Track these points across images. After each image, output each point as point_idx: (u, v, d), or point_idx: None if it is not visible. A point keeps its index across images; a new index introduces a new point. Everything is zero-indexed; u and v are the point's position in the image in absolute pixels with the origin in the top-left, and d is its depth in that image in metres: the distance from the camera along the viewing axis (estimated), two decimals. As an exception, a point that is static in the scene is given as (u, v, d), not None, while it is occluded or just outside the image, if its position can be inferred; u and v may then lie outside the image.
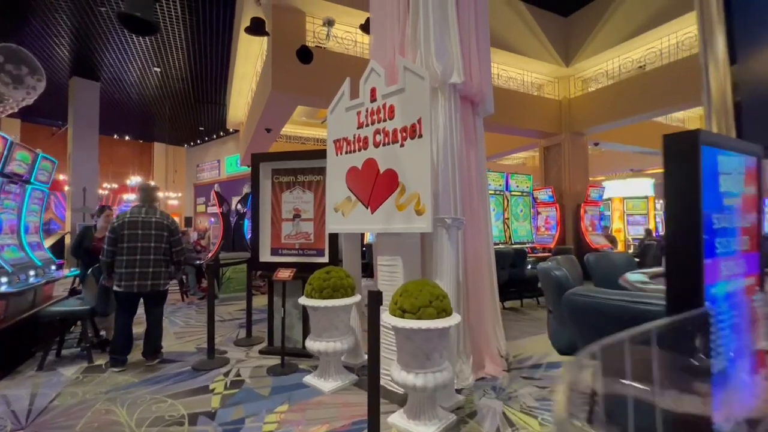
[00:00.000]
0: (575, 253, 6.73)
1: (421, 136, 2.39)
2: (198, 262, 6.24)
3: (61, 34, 8.36)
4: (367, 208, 2.72)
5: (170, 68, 10.06)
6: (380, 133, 2.64)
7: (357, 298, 2.70)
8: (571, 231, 8.26)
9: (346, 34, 6.32)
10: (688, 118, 11.10)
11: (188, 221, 15.84)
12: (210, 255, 6.31)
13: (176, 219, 15.10)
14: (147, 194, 3.16)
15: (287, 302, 3.37)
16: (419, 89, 2.41)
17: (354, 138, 2.83)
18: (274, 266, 3.41)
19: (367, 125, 2.74)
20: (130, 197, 14.18)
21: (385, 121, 2.62)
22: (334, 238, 3.35)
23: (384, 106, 2.63)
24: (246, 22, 6.24)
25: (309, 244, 3.54)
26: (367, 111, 2.74)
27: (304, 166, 3.60)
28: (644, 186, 10.66)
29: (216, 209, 7.15)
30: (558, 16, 8.01)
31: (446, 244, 2.43)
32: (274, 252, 3.61)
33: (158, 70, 10.15)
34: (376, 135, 2.67)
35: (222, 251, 6.25)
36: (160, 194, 15.46)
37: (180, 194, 16.65)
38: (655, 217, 11.28)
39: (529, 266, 5.29)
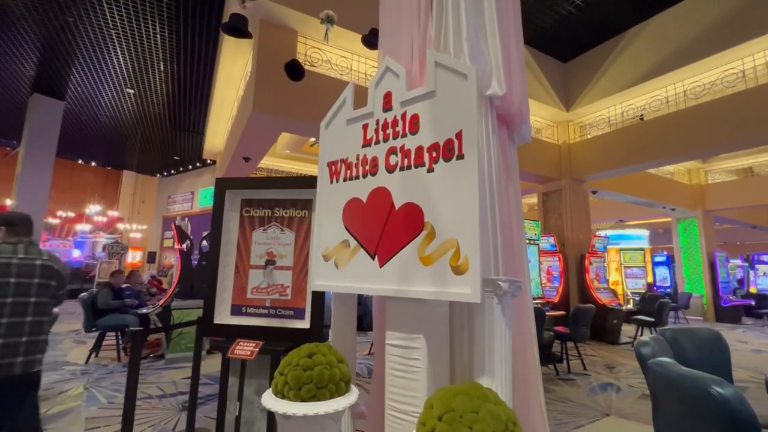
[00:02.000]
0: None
1: (461, 156, 1.63)
2: (144, 310, 5.10)
3: (23, 46, 7.56)
4: (373, 258, 1.88)
5: (146, 91, 9.32)
6: (397, 152, 1.87)
7: (352, 396, 1.76)
8: (576, 284, 7.57)
9: (340, 60, 5.78)
10: (676, 171, 11.08)
11: (151, 257, 14.39)
12: (161, 302, 5.19)
13: (138, 254, 13.69)
14: (27, 226, 2.13)
15: (247, 387, 2.38)
16: (460, 92, 1.68)
17: (358, 159, 2.04)
18: (234, 331, 2.46)
19: (378, 142, 1.97)
20: (85, 228, 12.79)
21: (404, 136, 1.86)
22: (319, 295, 2.46)
23: (404, 116, 1.88)
24: (231, 40, 5.62)
25: (284, 301, 2.62)
26: (378, 123, 1.99)
27: (284, 196, 2.77)
28: (640, 236, 10.28)
29: (181, 245, 6.10)
30: (557, 61, 7.86)
31: (498, 322, 1.59)
32: (236, 311, 2.66)
33: (132, 91, 9.39)
34: (391, 155, 1.89)
35: (177, 298, 5.15)
36: (122, 226, 14.11)
37: (145, 227, 15.29)
38: (653, 270, 10.85)
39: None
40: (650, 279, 10.12)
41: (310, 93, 5.01)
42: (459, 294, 1.53)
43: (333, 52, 5.73)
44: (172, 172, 16.38)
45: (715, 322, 10.14)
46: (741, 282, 12.76)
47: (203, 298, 2.72)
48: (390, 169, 1.89)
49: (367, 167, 1.99)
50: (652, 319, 6.31)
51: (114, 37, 7.18)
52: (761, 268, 12.13)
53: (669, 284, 12.52)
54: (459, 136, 1.65)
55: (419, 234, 1.72)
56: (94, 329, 4.86)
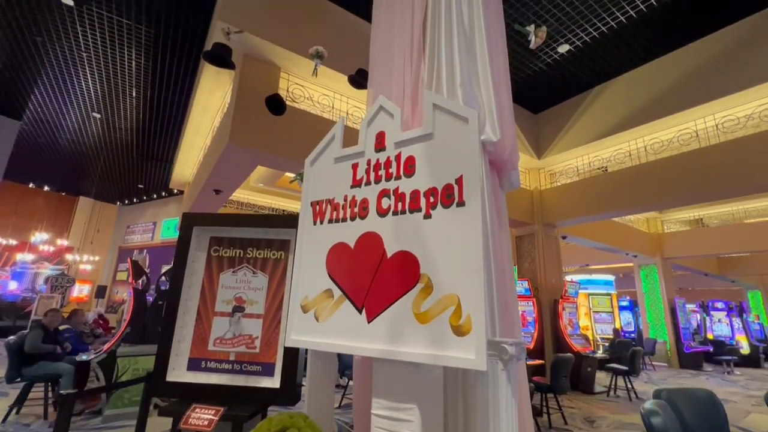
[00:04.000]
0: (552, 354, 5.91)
1: (462, 203, 1.51)
2: (84, 356, 4.49)
3: (-21, 62, 7.09)
4: (360, 311, 1.68)
5: (114, 116, 8.92)
6: (390, 195, 1.74)
7: (332, 481, 1.49)
8: (550, 329, 7.52)
9: (323, 98, 5.78)
10: (636, 219, 11.69)
11: (100, 291, 13.18)
12: (106, 347, 4.59)
13: (87, 287, 12.52)
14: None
15: (201, 461, 2.00)
16: (460, 136, 1.60)
17: (346, 200, 1.89)
18: (190, 391, 2.11)
19: (369, 183, 1.83)
20: (27, 257, 11.63)
21: (398, 178, 1.74)
22: (293, 349, 2.19)
23: (398, 157, 1.77)
24: (212, 70, 5.51)
25: (252, 355, 2.32)
26: (369, 163, 1.86)
27: (259, 236, 2.54)
28: (608, 281, 10.55)
29: (135, 282, 5.54)
30: (528, 111, 8.29)
31: (504, 391, 1.41)
32: (194, 365, 2.32)
33: (98, 116, 8.96)
34: (383, 198, 1.75)
35: (125, 342, 4.58)
36: (70, 256, 12.97)
37: (98, 258, 14.13)
38: (619, 315, 11.05)
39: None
40: (618, 324, 10.27)
41: (289, 128, 4.91)
42: (461, 359, 1.35)
43: (315, 90, 5.73)
44: (135, 200, 15.51)
45: (678, 368, 10.32)
46: (699, 328, 13.25)
47: (157, 343, 2.36)
48: (382, 213, 1.74)
49: (356, 209, 1.83)
50: (625, 368, 6.27)
51: (85, 60, 6.91)
52: (716, 314, 12.69)
53: (633, 329, 12.82)
54: (459, 181, 1.55)
55: (414, 286, 1.55)
56: (18, 380, 4.17)
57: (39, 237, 11.38)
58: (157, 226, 14.77)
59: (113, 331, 7.92)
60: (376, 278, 1.67)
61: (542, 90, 7.51)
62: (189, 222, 2.51)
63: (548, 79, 7.12)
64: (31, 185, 14.01)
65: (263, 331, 2.37)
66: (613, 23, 5.77)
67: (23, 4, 5.62)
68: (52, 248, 12.78)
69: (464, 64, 2.19)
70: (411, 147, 1.75)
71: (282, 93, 5.29)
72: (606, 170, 7.68)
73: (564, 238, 9.10)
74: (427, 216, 1.60)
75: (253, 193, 9.97)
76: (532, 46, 2.72)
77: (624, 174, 6.96)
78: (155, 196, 14.77)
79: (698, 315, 13.43)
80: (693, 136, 6.42)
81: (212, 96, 6.45)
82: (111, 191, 14.56)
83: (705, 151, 6.05)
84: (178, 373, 2.28)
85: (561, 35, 6.02)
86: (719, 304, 12.77)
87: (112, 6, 5.60)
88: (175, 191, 13.40)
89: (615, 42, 6.16)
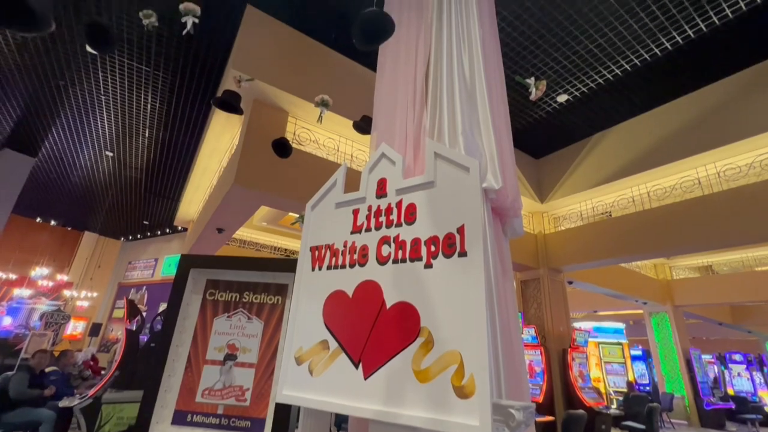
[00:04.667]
0: (565, 411, 5.55)
1: (464, 254, 1.47)
2: (67, 401, 4.26)
3: (4, 103, 7.44)
4: (357, 366, 1.58)
5: (125, 154, 9.18)
6: (390, 242, 1.70)
7: None
8: (559, 381, 7.12)
9: (328, 141, 5.93)
10: (643, 265, 11.47)
11: (95, 329, 12.86)
12: (92, 392, 4.37)
13: (81, 324, 12.25)
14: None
15: None
16: (461, 185, 1.59)
17: (345, 246, 1.85)
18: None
19: (369, 229, 1.80)
20: (25, 293, 11.49)
21: (399, 225, 1.70)
22: (285, 405, 2.05)
23: (399, 204, 1.75)
24: (222, 114, 5.71)
25: (241, 408, 2.18)
26: (370, 209, 1.84)
27: (256, 279, 2.48)
28: (618, 329, 10.15)
29: (130, 322, 5.39)
30: (530, 157, 8.43)
31: (512, 463, 1.28)
32: (179, 419, 2.17)
33: (111, 154, 9.22)
34: (383, 245, 1.71)
35: (113, 387, 4.36)
36: (68, 292, 12.81)
37: (96, 294, 13.93)
38: (632, 366, 10.53)
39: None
40: (631, 377, 9.75)
41: (294, 170, 4.99)
42: (463, 425, 1.24)
43: (321, 133, 5.89)
44: (138, 236, 15.58)
45: (699, 427, 9.64)
46: (717, 381, 12.53)
47: (144, 390, 2.23)
48: (382, 261, 1.69)
49: (356, 256, 1.79)
50: (642, 426, 5.86)
51: (102, 103, 7.22)
52: (734, 368, 12.06)
53: (647, 382, 12.13)
54: (461, 231, 1.51)
55: (414, 341, 1.47)
56: (-3, 427, 3.94)
57: (39, 272, 11.32)
58: (159, 262, 14.70)
59: (103, 372, 7.61)
60: (374, 330, 1.59)
61: (543, 136, 7.69)
62: (186, 264, 2.46)
63: (548, 126, 7.31)
64: (38, 220, 14.17)
65: (255, 382, 2.24)
66: (609, 76, 6.00)
67: (51, 51, 5.97)
68: (50, 283, 12.67)
69: (465, 113, 2.24)
70: (412, 194, 1.74)
71: (289, 136, 5.44)
72: (610, 215, 7.66)
73: (570, 283, 8.90)
74: (428, 265, 1.55)
75: (256, 232, 9.98)
76: (532, 98, 2.80)
77: (628, 220, 6.92)
78: (159, 232, 14.85)
79: (715, 367, 12.76)
80: (695, 183, 6.44)
81: (221, 138, 6.65)
82: (116, 227, 14.67)
83: (708, 199, 6.04)
84: (162, 427, 2.14)
85: (559, 86, 6.25)
86: (737, 356, 12.16)
87: (133, 54, 5.94)
88: (180, 228, 13.46)
89: (613, 92, 6.37)
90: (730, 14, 4.87)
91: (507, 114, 2.67)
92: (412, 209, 1.71)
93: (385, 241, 1.73)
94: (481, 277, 1.42)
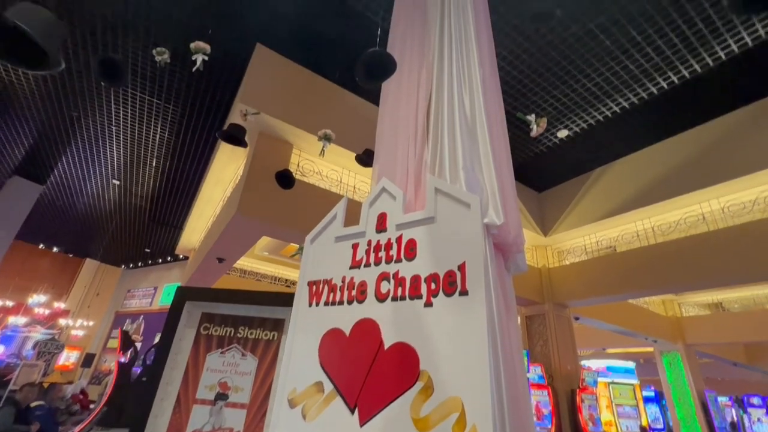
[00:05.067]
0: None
1: (465, 292, 1.42)
2: (51, 441, 4.07)
3: (18, 132, 7.66)
4: (353, 411, 1.50)
5: (132, 183, 9.31)
6: (390, 278, 1.65)
7: None
8: (568, 425, 6.76)
9: (331, 172, 6.00)
10: (651, 301, 11.20)
11: (88, 359, 12.52)
12: (77, 429, 4.18)
13: (75, 354, 11.97)
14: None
15: None
16: (462, 221, 1.57)
17: (344, 282, 1.80)
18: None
19: (368, 264, 1.76)
20: (20, 321, 11.30)
21: (399, 261, 1.67)
22: (276, 450, 1.92)
23: (399, 239, 1.72)
24: (228, 145, 5.82)
25: (230, 453, 2.05)
26: (369, 244, 1.81)
27: (252, 313, 2.41)
28: (629, 369, 9.74)
29: (123, 354, 5.24)
30: (532, 190, 8.46)
31: None
32: (163, 464, 2.04)
33: (117, 183, 9.36)
34: (382, 281, 1.67)
35: (99, 425, 4.18)
36: (64, 321, 12.60)
37: (92, 323, 13.69)
38: (645, 409, 10.02)
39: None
40: (645, 421, 9.24)
41: (297, 201, 5.01)
42: (465, 482, 1.15)
43: (324, 165, 5.97)
44: (140, 264, 15.51)
45: (721, 478, 9.02)
46: (735, 427, 11.86)
47: (131, 427, 2.11)
48: (381, 298, 1.64)
49: (354, 292, 1.74)
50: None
51: (113, 133, 7.41)
52: (754, 412, 11.44)
53: (662, 426, 11.48)
54: (462, 268, 1.47)
55: (413, 385, 1.39)
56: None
57: (36, 299, 11.19)
58: (158, 291, 14.54)
59: (92, 406, 7.33)
60: (371, 373, 1.52)
61: (545, 170, 7.75)
62: (182, 296, 2.41)
63: (550, 160, 7.38)
64: (41, 246, 14.19)
65: (246, 424, 2.13)
66: (608, 113, 6.13)
67: (68, 83, 6.20)
68: (47, 311, 12.49)
69: (466, 149, 2.25)
70: (413, 230, 1.71)
71: (292, 167, 5.51)
72: (614, 250, 7.57)
73: (577, 319, 8.66)
74: (428, 304, 1.50)
75: (257, 262, 9.91)
76: (533, 134, 2.85)
77: (633, 255, 6.83)
78: (160, 260, 14.79)
79: (732, 410, 12.11)
80: (700, 218, 6.39)
81: (226, 168, 6.75)
82: (118, 254, 14.65)
83: (714, 235, 5.97)
84: (144, 473, 2.00)
85: (559, 121, 6.37)
86: (756, 400, 11.57)
87: (146, 87, 6.16)
88: (181, 257, 13.41)
89: (614, 128, 6.47)
90: (723, 56, 5.02)
91: (508, 149, 2.70)
92: (412, 245, 1.68)
93: (384, 277, 1.68)
94: (483, 317, 1.36)
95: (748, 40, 4.80)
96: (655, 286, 6.51)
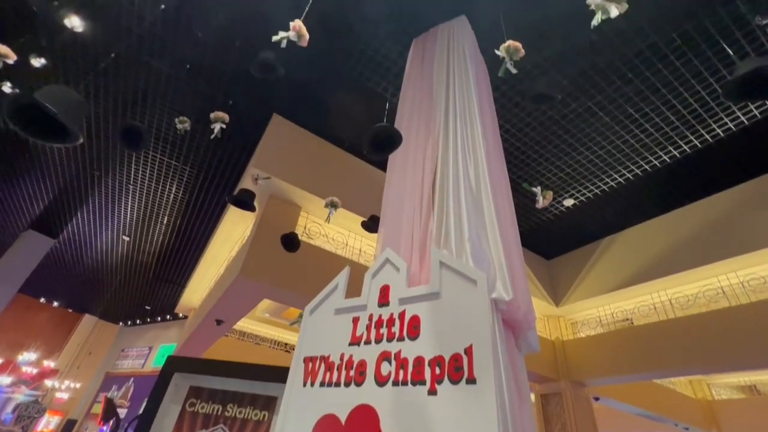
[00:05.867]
0: None
1: (472, 380, 1.30)
2: None
3: (40, 188, 7.98)
4: None
5: (141, 240, 9.42)
6: (391, 359, 1.54)
7: None
8: None
9: (337, 235, 6.01)
10: (678, 381, 10.35)
11: (68, 427, 11.67)
12: None
13: (56, 420, 11.22)
14: None
15: None
16: (469, 299, 1.49)
17: (342, 360, 1.68)
18: None
19: (369, 342, 1.66)
20: (5, 380, 10.78)
21: (401, 339, 1.57)
22: None
23: (402, 315, 1.63)
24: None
25: None
26: (371, 319, 1.72)
27: (243, 389, 2.24)
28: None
29: (104, 424, 4.86)
30: (540, 257, 8.32)
31: None
32: None
33: (127, 239, 9.47)
34: (383, 362, 1.55)
35: None
36: (50, 382, 11.99)
37: (79, 385, 12.99)
38: None
39: None
40: None
41: (301, 264, 4.96)
42: None
43: (331, 228, 6.00)
44: (138, 321, 15.11)
45: None
46: None
47: None
48: (381, 381, 1.51)
49: (352, 373, 1.61)
50: None
51: (129, 191, 7.68)
52: None
53: None
54: (469, 352, 1.37)
55: (414, 492, 1.22)
56: None
57: (26, 356, 10.77)
58: (152, 351, 13.95)
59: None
60: (367, 472, 1.34)
61: (552, 238, 7.68)
62: (171, 368, 2.27)
63: (558, 227, 7.35)
64: (41, 300, 14.03)
65: None
66: (613, 183, 6.21)
67: (93, 146, 6.57)
68: (35, 370, 11.95)
69: (472, 220, 2.23)
70: (416, 305, 1.63)
71: (299, 229, 5.54)
72: (631, 323, 7.18)
73: (597, 399, 7.96)
74: (432, 391, 1.36)
75: (258, 324, 9.58)
76: (539, 206, 2.85)
77: (652, 329, 6.44)
78: (159, 318, 14.42)
79: None
80: (719, 292, 6.12)
81: (235, 229, 6.82)
82: (117, 311, 14.36)
83: (735, 311, 5.65)
84: None
85: (564, 190, 6.45)
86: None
87: (166, 150, 6.49)
88: (181, 315, 13.07)
89: (620, 198, 6.50)
90: (721, 133, 5.17)
91: (514, 219, 2.68)
92: (415, 322, 1.59)
93: (385, 356, 1.57)
94: (493, 409, 1.23)
95: (743, 119, 4.98)
96: (680, 365, 6.03)
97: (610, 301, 7.36)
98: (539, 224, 7.29)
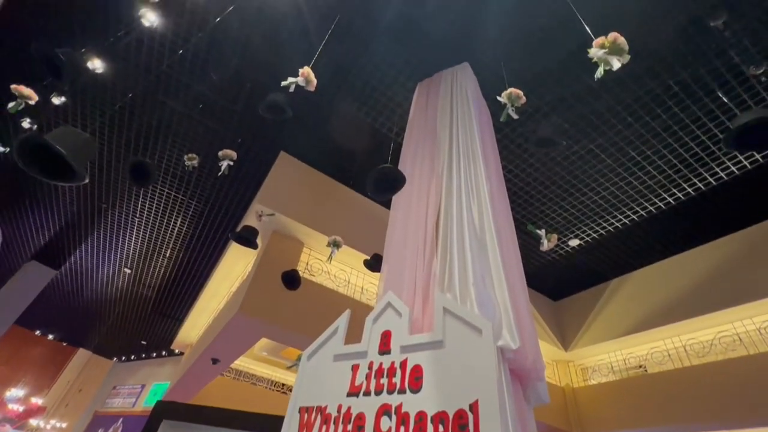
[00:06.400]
0: None
1: (479, 441, 1.20)
2: None
3: (47, 219, 8.06)
4: None
5: (142, 272, 9.36)
6: (391, 413, 1.45)
7: None
8: None
9: (339, 272, 5.93)
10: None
11: (49, 471, 11.01)
12: None
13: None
14: None
15: None
16: (474, 350, 1.42)
17: (339, 412, 1.59)
18: None
19: (368, 392, 1.57)
20: (-11, 419, 10.34)
21: (402, 391, 1.48)
22: None
23: (404, 364, 1.56)
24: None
25: None
26: (371, 367, 1.64)
27: (234, 440, 2.10)
28: None
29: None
30: (547, 298, 8.12)
31: None
32: None
33: (129, 271, 9.42)
34: (383, 416, 1.46)
35: None
36: (35, 421, 11.48)
37: (65, 425, 12.42)
38: None
39: None
40: None
41: (302, 302, 4.85)
42: None
43: (333, 264, 5.93)
44: (132, 357, 14.67)
45: None
46: None
47: None
48: (380, 439, 1.41)
49: (350, 427, 1.50)
50: None
51: (135, 224, 7.73)
52: None
53: None
54: (474, 409, 1.28)
55: None
56: None
57: (14, 393, 10.40)
58: (145, 389, 13.42)
59: None
60: None
61: (559, 278, 7.53)
62: (159, 415, 2.15)
63: (563, 268, 7.22)
64: (36, 332, 13.75)
65: None
66: (618, 224, 6.16)
67: (104, 179, 6.70)
68: (22, 408, 11.49)
69: (476, 262, 2.19)
70: (419, 354, 1.56)
71: (302, 266, 5.48)
72: (645, 370, 6.84)
73: (611, 454, 7.42)
74: (435, 453, 1.27)
75: (255, 363, 9.26)
76: (543, 249, 2.81)
77: (668, 378, 6.12)
78: (154, 354, 13.99)
79: None
80: (735, 339, 5.86)
81: (237, 264, 6.77)
82: (112, 345, 14.01)
83: (755, 360, 5.38)
84: None
85: (569, 230, 6.40)
86: None
87: (174, 184, 6.60)
88: (177, 351, 12.70)
89: (626, 239, 6.43)
90: (725, 176, 5.19)
91: (519, 261, 2.62)
92: (418, 372, 1.51)
93: (385, 410, 1.47)
94: (501, 478, 1.12)
95: (746, 163, 5.01)
96: (701, 419, 5.63)
97: (621, 347, 7.07)
98: (545, 263, 7.18)
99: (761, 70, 3.93)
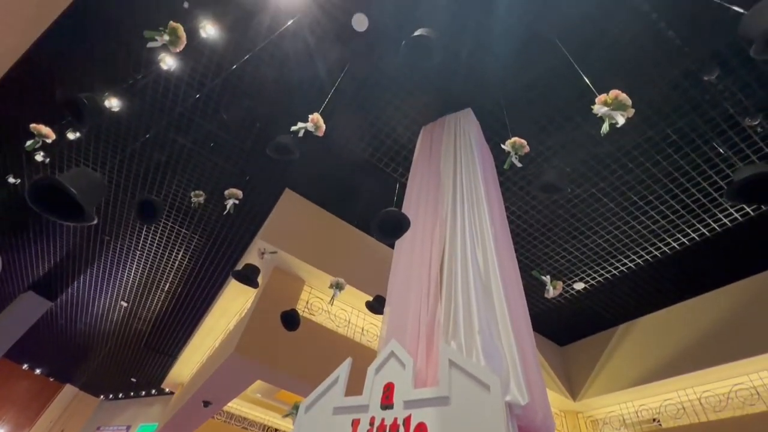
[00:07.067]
0: None
1: None
2: None
3: (47, 251, 8.05)
4: None
5: (139, 306, 9.20)
6: (393, 478, 1.35)
7: None
8: None
9: (340, 311, 5.80)
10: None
11: None
12: None
13: None
14: None
15: None
16: (482, 407, 1.35)
17: (337, 474, 1.48)
18: None
19: (369, 452, 1.47)
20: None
21: (405, 453, 1.39)
22: None
23: (407, 421, 1.48)
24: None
25: None
26: (372, 423, 1.56)
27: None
28: None
29: None
30: (553, 343, 7.86)
31: None
32: None
33: (125, 305, 9.26)
34: (384, 481, 1.36)
35: None
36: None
37: (43, 469, 11.69)
38: None
39: None
40: None
41: (301, 343, 4.71)
42: None
43: (334, 304, 5.82)
44: (120, 395, 14.07)
45: None
46: None
47: None
48: (380, 507, 1.31)
49: (348, 493, 1.40)
50: None
51: (135, 257, 7.69)
52: None
53: None
54: (483, 476, 1.19)
55: None
56: None
57: (-6, 432, 9.88)
58: (130, 431, 12.76)
59: None
60: None
61: (565, 322, 7.33)
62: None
63: (569, 312, 7.05)
64: (24, 366, 13.31)
65: None
66: (623, 268, 6.08)
67: (111, 209, 6.75)
68: (-1, 449, 10.87)
69: (482, 309, 2.14)
70: (423, 411, 1.48)
71: (302, 304, 5.38)
72: (659, 424, 6.46)
73: None
74: None
75: (248, 405, 8.83)
76: (548, 296, 2.76)
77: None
78: (143, 393, 13.44)
79: None
80: (753, 393, 5.58)
81: (235, 300, 6.66)
82: (101, 382, 13.49)
83: (776, 416, 5.10)
84: None
85: (574, 273, 6.31)
86: None
87: (178, 218, 6.64)
88: (167, 390, 12.19)
89: (632, 284, 6.31)
90: (729, 223, 5.18)
91: (525, 308, 2.56)
92: (422, 431, 1.42)
93: (387, 473, 1.38)
94: None
95: (749, 210, 5.02)
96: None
97: (632, 397, 6.73)
98: (550, 307, 7.01)
99: (757, 122, 4.04)
